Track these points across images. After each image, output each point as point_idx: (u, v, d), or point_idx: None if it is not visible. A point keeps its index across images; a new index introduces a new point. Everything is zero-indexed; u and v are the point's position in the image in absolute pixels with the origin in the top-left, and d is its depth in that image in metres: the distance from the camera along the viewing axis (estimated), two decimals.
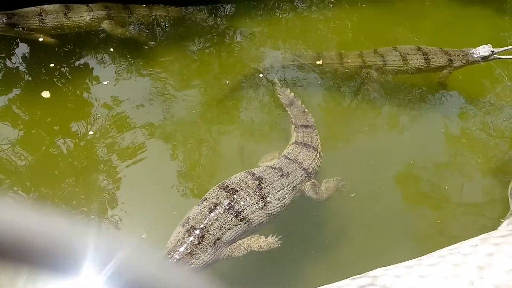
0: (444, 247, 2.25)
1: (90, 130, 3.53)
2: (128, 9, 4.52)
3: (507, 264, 1.91)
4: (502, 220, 3.25)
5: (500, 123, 4.34)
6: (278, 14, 5.42)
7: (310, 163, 3.17)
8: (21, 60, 4.11)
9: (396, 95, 4.52)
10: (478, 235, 2.31)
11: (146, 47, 4.38)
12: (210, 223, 2.65)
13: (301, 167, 3.11)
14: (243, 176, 2.90)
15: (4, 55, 4.10)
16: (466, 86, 4.74)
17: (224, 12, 5.28)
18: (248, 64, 4.54)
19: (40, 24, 4.04)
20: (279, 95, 3.78)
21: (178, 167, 3.50)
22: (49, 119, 3.61)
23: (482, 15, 5.75)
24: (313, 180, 3.13)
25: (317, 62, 4.43)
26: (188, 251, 2.55)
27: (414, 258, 2.18)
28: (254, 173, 2.95)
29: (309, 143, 3.30)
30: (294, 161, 3.14)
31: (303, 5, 5.66)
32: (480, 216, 3.59)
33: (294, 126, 3.46)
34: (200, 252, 2.57)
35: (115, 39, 4.42)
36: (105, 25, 4.30)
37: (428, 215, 3.49)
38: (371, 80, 4.41)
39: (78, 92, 3.90)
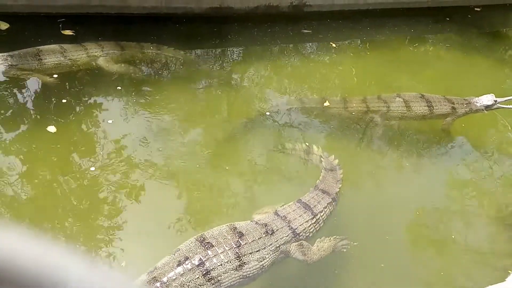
0: None
1: (91, 167, 3.52)
2: (120, 46, 4.65)
3: None
4: (510, 271, 3.16)
5: (506, 172, 4.30)
6: (284, 58, 5.55)
7: (300, 224, 2.92)
8: (32, 94, 4.17)
9: (401, 141, 4.53)
10: (485, 287, 2.22)
11: (149, 89, 4.45)
12: (174, 277, 2.39)
13: (289, 226, 2.87)
14: (223, 230, 2.67)
15: (15, 89, 4.16)
16: (470, 134, 4.76)
17: (231, 55, 5.41)
18: (254, 105, 4.59)
19: (39, 64, 4.12)
20: (321, 160, 3.57)
21: (179, 206, 3.45)
22: (52, 154, 3.61)
23: (485, 65, 5.86)
24: (301, 241, 2.88)
25: (325, 104, 4.48)
26: None
27: None
28: (235, 227, 2.70)
29: (311, 206, 3.07)
30: (283, 218, 2.91)
31: (308, 50, 5.80)
32: (487, 267, 3.48)
33: (315, 186, 3.29)
34: None
35: (125, 77, 4.51)
36: (101, 62, 4.41)
37: (434, 264, 3.39)
38: (375, 125, 4.43)
39: (83, 128, 3.92)
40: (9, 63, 4.05)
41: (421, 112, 4.51)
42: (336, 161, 3.52)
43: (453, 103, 4.60)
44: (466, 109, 4.61)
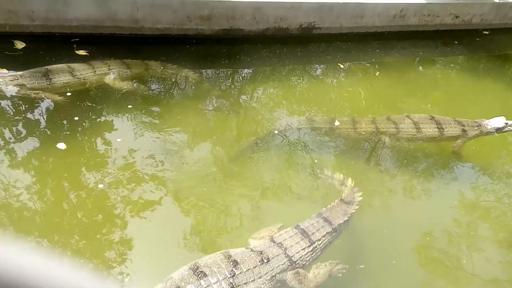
0: None
1: (100, 183, 3.53)
2: (126, 64, 4.76)
3: None
4: None
5: None
6: (292, 79, 5.59)
7: (296, 251, 2.84)
8: (44, 112, 4.23)
9: (410, 163, 4.49)
10: None
11: (158, 109, 4.49)
12: None
13: (285, 253, 2.79)
14: (217, 258, 2.59)
15: (28, 106, 4.22)
16: (481, 156, 4.71)
17: (240, 75, 5.47)
18: (263, 125, 4.60)
19: (49, 83, 4.21)
20: (343, 191, 3.53)
21: (185, 224, 3.43)
22: (61, 170, 3.63)
23: (494, 87, 5.86)
24: (297, 269, 2.80)
25: (335, 124, 4.48)
26: None
27: None
28: (230, 255, 2.63)
29: (309, 233, 2.99)
30: (279, 245, 2.83)
31: (317, 71, 5.85)
32: None
33: (318, 213, 3.23)
34: None
35: (136, 96, 4.57)
36: (108, 80, 4.51)
37: None
38: (384, 147, 4.41)
39: (92, 146, 3.95)
40: (19, 82, 4.14)
41: (431, 134, 4.49)
42: (360, 198, 3.45)
43: (463, 126, 4.58)
44: (476, 132, 4.58)
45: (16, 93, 4.15)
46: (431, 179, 4.34)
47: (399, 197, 4.16)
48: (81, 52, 4.91)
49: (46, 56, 4.74)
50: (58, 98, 4.24)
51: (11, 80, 4.14)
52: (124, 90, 4.55)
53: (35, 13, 4.80)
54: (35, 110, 4.21)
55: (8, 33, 4.83)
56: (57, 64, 4.47)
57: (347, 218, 3.23)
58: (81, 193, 3.44)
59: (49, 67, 4.35)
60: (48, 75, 4.27)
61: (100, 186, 3.51)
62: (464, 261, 3.52)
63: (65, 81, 4.32)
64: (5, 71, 4.37)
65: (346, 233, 3.42)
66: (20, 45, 4.83)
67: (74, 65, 4.46)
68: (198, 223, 3.45)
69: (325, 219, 3.15)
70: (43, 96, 4.20)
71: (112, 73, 4.58)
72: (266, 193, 3.82)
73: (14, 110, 4.18)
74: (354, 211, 3.32)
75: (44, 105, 4.25)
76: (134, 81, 4.74)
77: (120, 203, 3.43)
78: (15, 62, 4.58)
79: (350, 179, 3.66)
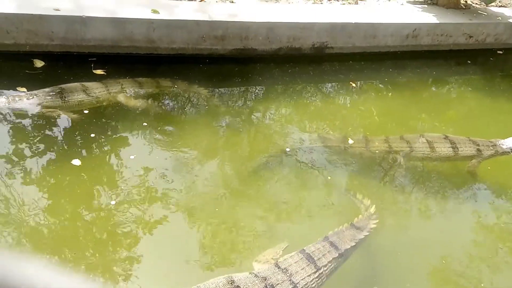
0: None
1: (112, 200, 3.56)
2: (138, 83, 4.86)
3: None
4: None
5: None
6: (304, 98, 5.62)
7: (302, 278, 2.75)
8: (61, 129, 4.31)
9: (424, 182, 4.44)
10: None
11: (171, 128, 4.54)
12: None
13: (290, 280, 2.70)
14: (219, 283, 2.50)
15: (46, 123, 4.31)
16: (497, 176, 4.64)
17: (253, 94, 5.51)
18: (275, 143, 4.61)
19: (63, 102, 4.32)
20: (370, 221, 3.46)
21: (196, 242, 3.43)
22: (75, 186, 3.68)
23: (508, 107, 5.79)
24: None
25: (349, 142, 4.48)
26: None
27: None
28: (233, 280, 2.55)
29: (315, 258, 2.92)
30: (284, 271, 2.75)
31: (329, 90, 5.87)
32: None
33: (324, 237, 3.15)
34: None
35: (151, 114, 4.64)
36: (120, 98, 4.60)
37: None
38: (398, 166, 4.37)
39: (106, 162, 4.01)
40: (35, 101, 4.24)
41: (445, 154, 4.45)
42: (373, 226, 3.39)
43: (478, 145, 4.53)
44: (491, 152, 4.53)
45: (31, 111, 4.25)
46: (446, 199, 4.27)
47: (414, 217, 4.09)
48: (99, 72, 5.02)
49: (65, 75, 4.85)
50: (73, 116, 4.33)
51: (26, 99, 4.25)
52: (138, 109, 4.61)
53: (54, 33, 4.95)
54: (52, 128, 4.29)
55: (28, 52, 4.98)
56: (74, 82, 4.58)
57: (354, 244, 3.16)
58: (93, 209, 3.47)
59: (63, 85, 4.47)
60: (63, 94, 4.37)
61: (112, 202, 3.54)
62: (482, 285, 3.42)
63: (79, 99, 4.42)
64: (24, 89, 4.49)
65: (359, 253, 3.36)
66: (39, 63, 4.96)
67: (88, 84, 4.57)
68: (209, 242, 3.44)
69: (332, 244, 3.08)
70: (57, 114, 4.29)
71: (125, 91, 4.66)
72: (277, 212, 3.80)
73: (31, 128, 4.27)
74: (363, 237, 3.25)
75: (61, 122, 4.34)
76: (149, 99, 4.81)
77: (131, 220, 3.44)
78: (35, 80, 4.70)
79: (373, 207, 3.59)
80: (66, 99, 4.36)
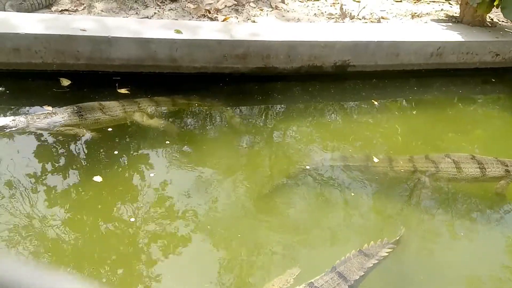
0: None
1: (131, 217, 3.57)
2: (154, 101, 4.90)
3: None
4: None
5: None
6: (325, 116, 5.56)
7: None
8: (84, 146, 4.38)
9: (451, 204, 4.29)
10: None
11: (189, 149, 4.56)
12: None
13: None
14: None
15: (69, 140, 4.40)
16: None
17: (274, 112, 5.50)
18: (296, 161, 4.56)
19: (80, 120, 4.41)
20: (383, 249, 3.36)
21: (215, 261, 3.38)
22: (96, 202, 3.71)
23: None
24: None
25: (375, 160, 4.38)
26: None
27: None
28: None
29: None
30: None
31: (351, 108, 5.80)
32: None
33: (332, 267, 3.06)
34: None
35: (172, 133, 4.66)
36: (137, 117, 4.62)
37: None
38: (423, 187, 4.24)
39: (126, 179, 4.04)
40: (53, 119, 4.33)
41: (472, 174, 4.30)
42: (385, 254, 3.26)
43: (506, 166, 4.38)
44: None
45: (50, 129, 4.33)
46: (473, 221, 4.11)
47: (440, 240, 3.94)
48: (123, 91, 5.10)
49: (90, 94, 4.96)
50: (90, 134, 4.40)
51: (45, 118, 4.35)
52: (160, 127, 4.64)
53: (80, 53, 5.09)
54: (76, 145, 4.37)
55: (55, 71, 5.13)
56: (100, 101, 4.67)
57: (363, 274, 3.03)
58: (113, 225, 3.48)
59: (81, 104, 4.59)
60: (80, 112, 4.46)
61: (132, 219, 3.55)
62: None
63: (96, 117, 4.50)
64: (50, 108, 4.61)
65: (380, 276, 3.24)
66: (66, 82, 5.10)
67: (105, 103, 4.66)
68: (227, 263, 3.38)
69: (340, 275, 2.97)
70: (75, 132, 4.37)
71: (141, 111, 4.69)
72: (298, 233, 3.73)
73: (54, 145, 4.36)
74: (372, 265, 3.12)
75: (84, 140, 4.42)
76: (168, 118, 4.84)
77: (149, 237, 3.44)
78: (61, 99, 4.82)
79: (386, 239, 3.45)
80: (83, 117, 4.44)
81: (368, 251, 3.22)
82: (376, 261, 3.16)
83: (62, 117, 4.40)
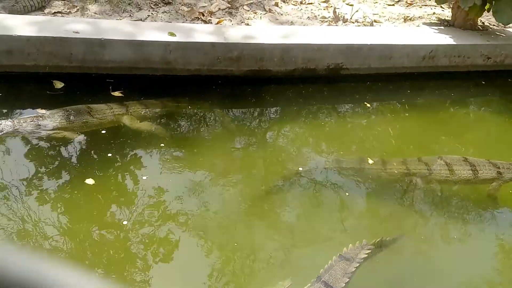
0: None
1: (124, 220, 3.55)
2: (143, 104, 4.86)
3: None
4: None
5: None
6: (318, 119, 5.58)
7: None
8: (77, 148, 4.36)
9: (443, 206, 4.31)
10: None
11: (184, 147, 4.54)
12: None
13: None
14: None
15: (61, 143, 4.37)
16: None
17: (267, 115, 5.50)
18: (289, 164, 4.56)
19: (68, 123, 4.38)
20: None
21: (208, 266, 3.37)
22: (88, 204, 3.69)
23: None
24: None
25: (369, 162, 4.40)
26: None
27: None
28: None
29: None
30: None
31: (344, 111, 5.82)
32: None
33: (317, 277, 2.96)
34: None
35: (163, 135, 4.64)
36: (125, 120, 4.58)
37: None
38: (416, 189, 4.26)
39: (118, 182, 4.02)
40: (41, 122, 4.31)
41: (464, 176, 4.33)
42: (364, 256, 3.19)
43: (498, 168, 4.41)
44: None
45: (37, 132, 4.30)
46: (465, 223, 4.13)
47: (432, 242, 3.96)
48: (117, 94, 5.08)
49: (83, 96, 4.93)
50: (78, 136, 4.37)
51: (31, 121, 4.32)
52: (145, 130, 4.58)
53: (73, 55, 5.07)
54: (67, 147, 4.35)
55: (48, 73, 5.10)
56: (93, 103, 4.64)
57: (348, 280, 2.96)
58: (105, 228, 3.46)
59: (69, 107, 4.56)
60: (68, 116, 4.43)
61: (124, 222, 3.53)
62: None
63: (84, 120, 4.47)
64: (43, 111, 4.57)
65: (373, 278, 3.25)
66: (59, 84, 5.07)
67: (93, 106, 4.63)
68: (219, 269, 3.37)
69: (326, 284, 2.90)
70: (63, 135, 4.34)
71: (130, 113, 4.66)
72: (292, 237, 3.73)
73: (45, 148, 4.33)
74: (354, 269, 3.06)
75: (76, 142, 4.39)
76: (159, 120, 4.81)
77: (140, 241, 3.42)
78: (55, 102, 4.77)
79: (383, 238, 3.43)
80: (71, 120, 4.41)
81: (347, 255, 3.16)
82: (358, 264, 3.10)
83: (50, 121, 4.37)
